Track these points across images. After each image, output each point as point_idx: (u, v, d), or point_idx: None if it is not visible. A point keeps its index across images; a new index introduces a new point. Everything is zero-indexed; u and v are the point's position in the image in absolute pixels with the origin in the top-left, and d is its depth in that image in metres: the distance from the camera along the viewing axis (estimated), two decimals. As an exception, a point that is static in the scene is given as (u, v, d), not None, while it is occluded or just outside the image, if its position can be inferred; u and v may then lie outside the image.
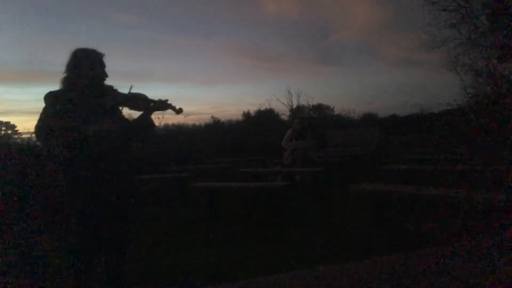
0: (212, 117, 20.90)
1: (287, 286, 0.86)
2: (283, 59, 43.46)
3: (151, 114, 2.42)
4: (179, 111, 2.46)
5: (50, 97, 2.15)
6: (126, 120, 2.40)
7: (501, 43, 8.30)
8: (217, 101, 46.20)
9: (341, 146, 13.18)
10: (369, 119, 23.63)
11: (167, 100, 2.41)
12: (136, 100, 2.39)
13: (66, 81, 2.21)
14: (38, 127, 2.08)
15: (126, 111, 2.45)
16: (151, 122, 2.43)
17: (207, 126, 18.96)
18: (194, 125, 19.21)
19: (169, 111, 2.44)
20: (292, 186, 5.61)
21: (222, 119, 21.44)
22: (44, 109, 2.14)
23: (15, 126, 25.22)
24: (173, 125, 15.84)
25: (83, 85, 2.20)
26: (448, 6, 8.88)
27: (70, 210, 2.22)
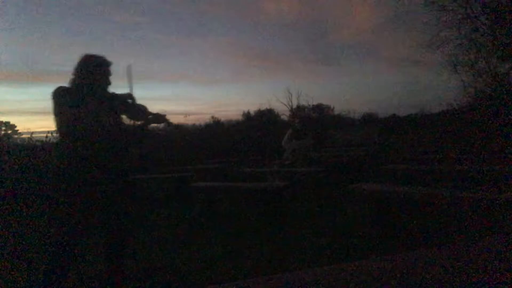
0: (212, 117, 20.91)
1: (287, 286, 0.85)
2: (283, 59, 43.47)
3: (148, 125, 2.61)
4: (170, 125, 2.77)
5: (59, 91, 2.22)
6: (124, 125, 2.53)
7: (501, 43, 8.30)
8: (217, 101, 46.18)
9: (341, 146, 13.18)
10: (369, 119, 23.64)
11: (165, 115, 2.66)
12: (137, 111, 2.55)
13: (73, 83, 2.31)
14: (61, 121, 2.18)
15: None
16: (147, 133, 2.65)
17: (207, 126, 18.96)
18: (194, 125, 19.21)
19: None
20: (292, 186, 5.61)
21: (222, 119, 21.43)
22: (57, 103, 2.20)
23: (15, 126, 25.17)
24: (173, 125, 15.79)
25: (88, 89, 2.29)
26: (448, 6, 8.88)
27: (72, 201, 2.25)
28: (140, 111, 2.56)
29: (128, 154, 2.56)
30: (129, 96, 2.52)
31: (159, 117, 2.64)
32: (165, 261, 3.32)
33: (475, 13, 8.69)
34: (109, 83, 2.42)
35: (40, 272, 2.19)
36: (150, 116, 2.60)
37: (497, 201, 2.83)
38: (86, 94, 2.25)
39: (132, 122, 2.59)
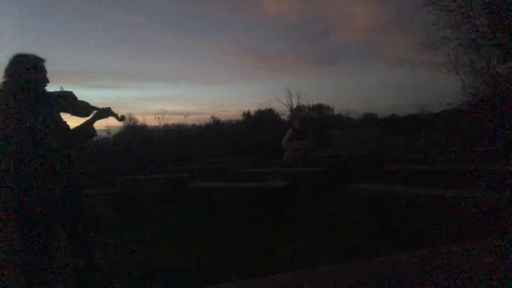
0: (212, 117, 20.82)
1: (287, 286, 0.85)
2: (283, 59, 43.40)
3: (94, 122, 2.44)
4: (121, 119, 2.58)
5: None
6: (67, 128, 2.35)
7: (501, 43, 8.29)
8: (217, 101, 46.09)
9: (341, 146, 13.17)
10: (369, 119, 23.60)
11: (109, 108, 2.48)
12: (78, 107, 2.41)
13: (4, 86, 2.16)
14: None
15: None
16: (93, 131, 2.47)
17: (207, 126, 18.92)
18: (194, 125, 19.18)
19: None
20: (292, 186, 5.60)
21: (222, 119, 21.38)
22: None
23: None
24: (173, 125, 15.81)
25: (22, 91, 2.14)
26: (448, 6, 8.87)
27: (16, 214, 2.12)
28: (82, 108, 2.43)
29: (72, 168, 2.32)
30: (70, 94, 2.39)
31: (104, 111, 2.47)
32: (165, 261, 3.32)
33: (475, 13, 8.68)
34: (46, 81, 2.30)
35: None
36: (95, 111, 2.45)
37: (497, 201, 2.83)
38: (21, 99, 2.11)
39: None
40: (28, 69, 2.19)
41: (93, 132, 2.47)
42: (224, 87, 42.70)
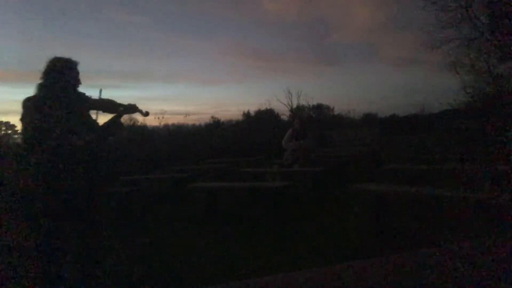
0: (212, 117, 20.83)
1: (287, 286, 0.85)
2: (283, 59, 43.44)
3: (121, 117, 2.69)
4: (146, 114, 2.84)
5: (28, 104, 2.31)
6: (97, 124, 2.59)
7: (501, 43, 8.30)
8: (217, 101, 46.13)
9: (341, 146, 13.17)
10: (369, 119, 23.60)
11: (135, 105, 2.74)
12: (106, 105, 2.65)
13: (42, 88, 2.37)
14: (25, 133, 2.27)
15: None
16: (121, 125, 2.73)
17: (207, 126, 18.92)
18: (194, 125, 19.19)
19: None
20: (292, 186, 5.60)
21: (222, 119, 21.38)
22: (25, 115, 2.30)
23: (15, 126, 25.17)
24: (173, 125, 15.83)
25: (58, 92, 2.35)
26: (448, 6, 8.88)
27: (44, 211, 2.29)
28: (110, 104, 2.66)
29: (100, 163, 2.57)
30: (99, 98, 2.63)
31: (131, 107, 2.72)
32: (165, 261, 3.32)
33: (475, 13, 8.69)
34: (79, 83, 2.51)
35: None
36: (122, 108, 2.68)
37: (497, 202, 2.83)
38: (56, 99, 2.31)
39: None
40: (63, 71, 2.41)
41: (121, 126, 2.74)
42: (224, 87, 42.73)
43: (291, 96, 24.13)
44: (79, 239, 2.41)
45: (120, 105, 2.67)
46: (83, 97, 2.52)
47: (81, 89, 2.57)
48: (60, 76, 2.39)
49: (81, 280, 2.40)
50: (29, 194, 2.37)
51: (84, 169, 2.35)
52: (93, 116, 2.60)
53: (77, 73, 2.51)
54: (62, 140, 2.24)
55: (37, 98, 2.34)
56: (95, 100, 2.58)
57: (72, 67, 2.48)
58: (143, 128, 14.32)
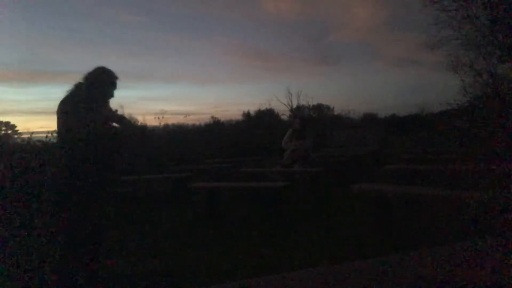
0: (212, 117, 20.81)
1: (287, 286, 0.85)
2: (283, 59, 43.47)
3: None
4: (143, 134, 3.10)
5: (68, 103, 2.46)
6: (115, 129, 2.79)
7: (501, 43, 8.29)
8: (217, 101, 46.17)
9: (341, 146, 13.17)
10: (369, 119, 23.59)
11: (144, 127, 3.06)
12: (121, 122, 2.80)
13: (79, 87, 2.53)
14: (66, 127, 2.43)
15: None
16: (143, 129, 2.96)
17: (207, 126, 18.90)
18: (194, 125, 19.17)
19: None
20: (292, 186, 5.60)
21: (222, 119, 21.36)
22: (66, 114, 2.44)
23: (15, 126, 25.16)
24: (173, 125, 15.80)
25: (93, 98, 2.52)
26: (448, 6, 8.87)
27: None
28: (125, 122, 2.84)
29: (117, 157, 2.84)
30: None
31: (136, 128, 3.02)
32: (165, 261, 3.32)
33: (475, 13, 8.68)
34: (112, 96, 2.68)
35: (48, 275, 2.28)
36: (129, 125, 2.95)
37: (497, 202, 2.83)
38: (91, 100, 2.49)
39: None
40: (102, 80, 2.58)
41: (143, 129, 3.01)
42: (224, 87, 42.77)
43: (291, 96, 24.14)
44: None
45: (136, 127, 2.98)
46: (110, 110, 2.70)
47: None
48: (96, 83, 2.55)
49: (84, 278, 2.46)
50: (58, 182, 2.50)
51: (104, 164, 2.55)
52: None
53: (114, 87, 2.67)
54: (85, 136, 2.39)
55: (77, 97, 2.48)
56: (118, 114, 2.75)
57: (111, 80, 2.63)
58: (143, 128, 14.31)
